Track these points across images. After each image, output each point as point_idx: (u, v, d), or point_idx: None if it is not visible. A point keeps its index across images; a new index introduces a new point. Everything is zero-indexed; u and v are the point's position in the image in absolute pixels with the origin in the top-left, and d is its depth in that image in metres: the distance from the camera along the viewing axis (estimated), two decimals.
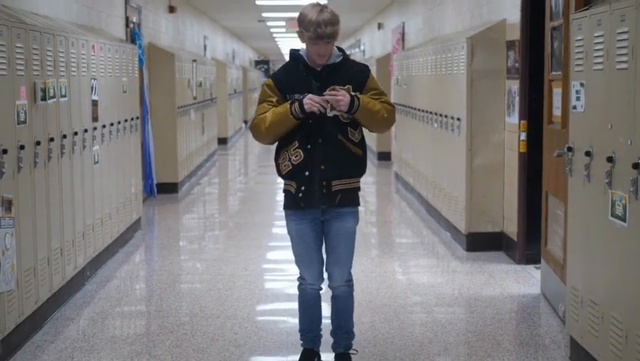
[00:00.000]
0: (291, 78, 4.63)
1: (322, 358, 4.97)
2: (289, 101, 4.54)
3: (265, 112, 4.58)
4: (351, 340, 4.94)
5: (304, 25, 4.53)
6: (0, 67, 5.03)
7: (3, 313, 5.05)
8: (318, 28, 4.47)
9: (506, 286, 6.84)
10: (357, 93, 4.57)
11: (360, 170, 4.69)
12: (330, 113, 4.54)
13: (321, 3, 4.60)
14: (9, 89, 5.20)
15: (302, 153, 4.57)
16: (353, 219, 4.75)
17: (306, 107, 4.48)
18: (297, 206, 4.67)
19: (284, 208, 4.78)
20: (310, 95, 4.51)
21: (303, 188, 4.61)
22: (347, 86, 4.58)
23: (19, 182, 5.32)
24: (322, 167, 4.57)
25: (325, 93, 4.51)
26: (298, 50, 4.69)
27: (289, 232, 4.81)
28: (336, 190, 4.61)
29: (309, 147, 4.56)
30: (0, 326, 5.01)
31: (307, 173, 4.58)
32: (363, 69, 4.71)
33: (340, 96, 4.48)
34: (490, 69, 7.96)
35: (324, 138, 4.56)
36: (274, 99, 4.60)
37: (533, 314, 6.16)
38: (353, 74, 4.65)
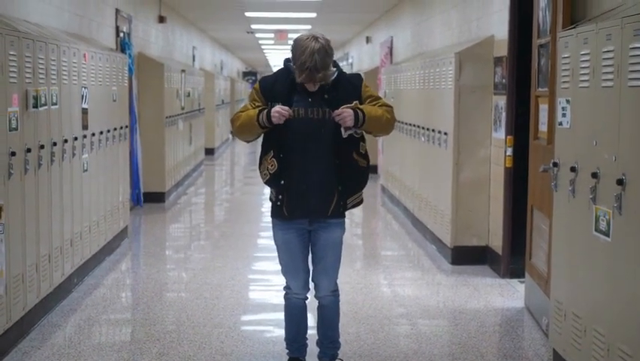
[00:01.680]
0: (279, 87, 4.69)
1: None
2: (259, 108, 4.64)
3: (244, 111, 4.71)
4: (337, 350, 5.00)
5: (296, 64, 4.55)
6: None
7: None
8: (309, 74, 4.51)
9: (490, 299, 6.90)
10: (357, 103, 4.63)
11: (365, 182, 4.82)
12: (345, 134, 4.63)
13: (317, 36, 4.56)
14: (1, 96, 5.23)
15: (275, 163, 4.66)
16: (340, 230, 4.82)
17: (273, 119, 4.58)
18: (281, 216, 4.74)
19: (271, 216, 4.85)
20: (279, 107, 4.58)
21: (280, 197, 4.70)
22: (354, 102, 4.64)
23: (10, 188, 5.34)
24: (339, 188, 4.68)
25: (332, 116, 4.60)
26: (291, 63, 4.72)
27: (275, 241, 4.87)
28: (339, 205, 4.71)
29: (281, 155, 4.65)
30: None
31: (282, 182, 4.67)
32: (355, 81, 4.76)
33: (345, 114, 4.57)
34: (477, 84, 8.04)
35: (341, 158, 4.65)
36: (258, 103, 4.71)
37: (517, 327, 6.22)
38: (346, 91, 4.68)
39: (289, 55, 4.73)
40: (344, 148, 4.66)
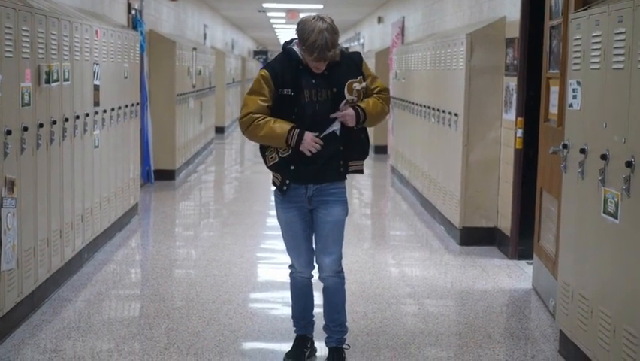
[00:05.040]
0: (286, 73, 4.66)
1: (316, 347, 5.05)
2: (289, 128, 4.58)
3: (259, 112, 4.61)
4: (344, 334, 4.96)
5: (305, 44, 4.53)
6: (6, 49, 5.10)
7: (3, 292, 5.12)
8: (320, 53, 4.51)
9: (498, 280, 6.93)
10: (358, 104, 4.67)
11: (367, 152, 4.85)
12: (334, 128, 4.67)
13: (322, 17, 4.57)
14: (14, 72, 5.26)
15: (290, 149, 4.67)
16: (341, 208, 4.81)
17: (302, 148, 4.60)
18: (281, 192, 4.77)
19: (274, 196, 4.88)
20: (311, 137, 4.58)
21: (287, 182, 4.72)
22: (359, 78, 4.66)
23: (22, 163, 5.39)
24: (343, 155, 4.71)
25: (332, 116, 4.63)
26: (292, 45, 4.70)
27: (279, 220, 4.91)
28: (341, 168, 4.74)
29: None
30: None
31: (293, 167, 4.69)
32: (356, 59, 4.77)
33: (347, 115, 4.62)
34: (488, 66, 8.03)
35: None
36: (266, 92, 4.63)
37: (524, 308, 6.25)
38: (349, 68, 4.69)
39: (290, 38, 4.74)
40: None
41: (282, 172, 4.73)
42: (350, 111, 4.63)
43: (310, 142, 4.60)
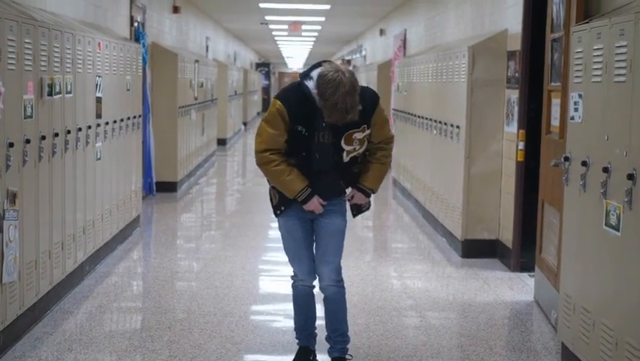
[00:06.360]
0: (300, 108, 4.61)
1: (318, 360, 5.04)
2: (302, 188, 4.65)
3: (275, 148, 4.63)
4: (347, 344, 4.97)
5: (325, 102, 4.45)
6: (9, 62, 5.11)
7: (4, 305, 5.12)
8: (340, 117, 4.46)
9: (500, 292, 6.92)
10: (365, 185, 4.81)
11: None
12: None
13: (342, 71, 4.46)
14: (17, 84, 5.27)
15: None
16: (340, 218, 4.84)
17: (306, 207, 4.72)
18: (275, 215, 4.87)
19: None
20: (319, 202, 4.70)
21: (282, 208, 4.80)
22: (362, 127, 4.64)
23: (24, 175, 5.39)
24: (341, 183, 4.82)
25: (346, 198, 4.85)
26: (307, 81, 4.62)
27: (279, 229, 4.94)
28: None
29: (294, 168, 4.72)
30: (1, 317, 5.08)
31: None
32: (369, 105, 4.67)
33: (357, 199, 4.82)
34: (490, 78, 8.04)
35: (344, 171, 4.77)
36: (282, 127, 4.60)
37: (526, 321, 6.24)
38: (363, 114, 4.62)
39: (306, 69, 4.73)
40: (346, 165, 4.74)
41: (281, 195, 4.77)
42: (358, 196, 4.82)
43: (316, 205, 4.72)
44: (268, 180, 4.82)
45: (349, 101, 4.41)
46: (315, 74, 4.57)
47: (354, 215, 4.96)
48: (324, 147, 4.67)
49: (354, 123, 4.59)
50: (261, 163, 4.70)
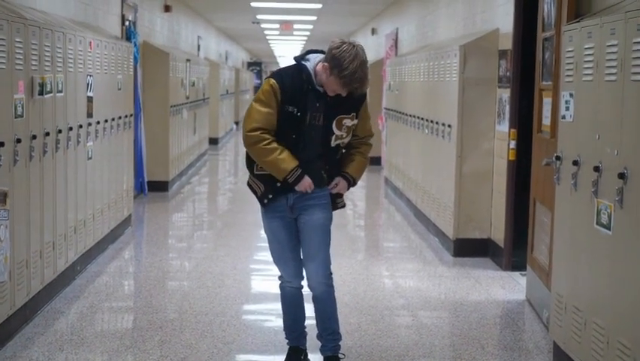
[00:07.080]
0: (295, 89, 4.60)
1: (309, 359, 5.03)
2: (292, 168, 4.59)
3: (267, 127, 4.58)
4: (338, 342, 4.93)
5: (342, 73, 4.45)
6: None
7: None
8: (360, 85, 4.50)
9: (492, 291, 6.93)
10: (349, 173, 4.80)
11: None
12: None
13: (355, 44, 4.51)
14: (7, 83, 5.26)
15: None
16: (322, 213, 4.78)
17: (297, 187, 4.67)
18: (262, 205, 4.81)
19: (260, 206, 4.87)
20: (309, 182, 4.65)
21: (270, 196, 4.73)
22: (352, 115, 4.67)
23: (15, 175, 5.37)
24: (325, 168, 4.78)
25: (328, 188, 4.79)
26: (304, 62, 4.64)
27: (265, 230, 4.92)
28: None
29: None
30: None
31: (279, 184, 4.69)
32: (362, 98, 4.73)
33: (341, 187, 4.78)
34: (481, 77, 8.05)
35: (329, 153, 4.75)
36: (274, 104, 4.57)
37: (518, 320, 6.25)
38: (354, 102, 4.67)
39: (301, 53, 4.71)
40: (331, 153, 4.75)
41: (267, 184, 4.72)
42: (343, 184, 4.78)
43: (307, 186, 4.66)
44: (251, 171, 4.76)
45: (366, 70, 4.48)
46: (312, 56, 4.64)
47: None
48: (315, 129, 4.64)
49: (345, 109, 4.64)
50: (251, 143, 4.61)
